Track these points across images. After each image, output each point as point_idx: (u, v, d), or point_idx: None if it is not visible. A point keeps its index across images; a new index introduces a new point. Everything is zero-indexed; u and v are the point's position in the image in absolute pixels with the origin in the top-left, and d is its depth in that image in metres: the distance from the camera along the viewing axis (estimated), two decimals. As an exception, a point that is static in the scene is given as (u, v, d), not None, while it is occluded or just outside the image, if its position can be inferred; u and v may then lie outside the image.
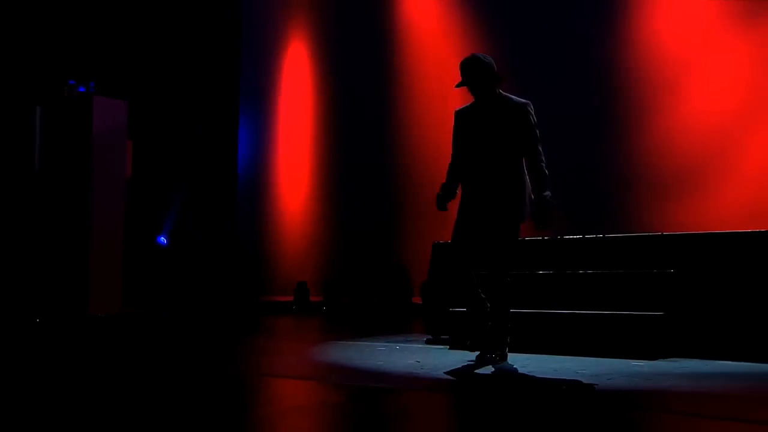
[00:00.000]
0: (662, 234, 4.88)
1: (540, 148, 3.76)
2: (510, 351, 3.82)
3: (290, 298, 9.56)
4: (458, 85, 3.80)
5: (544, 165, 3.73)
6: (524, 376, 3.45)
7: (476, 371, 3.62)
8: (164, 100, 10.16)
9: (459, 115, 3.94)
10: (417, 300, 8.19)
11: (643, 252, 4.69)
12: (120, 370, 3.82)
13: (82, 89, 7.91)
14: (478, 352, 3.82)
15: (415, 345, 4.81)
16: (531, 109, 3.80)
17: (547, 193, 3.68)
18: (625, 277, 4.52)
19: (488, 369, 3.66)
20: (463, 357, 4.03)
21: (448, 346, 4.61)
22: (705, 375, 3.55)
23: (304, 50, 10.37)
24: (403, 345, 4.72)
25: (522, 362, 3.82)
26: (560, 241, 5.08)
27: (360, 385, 3.24)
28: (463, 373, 3.60)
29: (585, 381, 3.25)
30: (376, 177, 9.26)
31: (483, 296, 3.81)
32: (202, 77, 10.41)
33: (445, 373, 3.56)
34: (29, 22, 8.69)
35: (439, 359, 4.04)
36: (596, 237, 4.95)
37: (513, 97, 3.84)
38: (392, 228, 9.05)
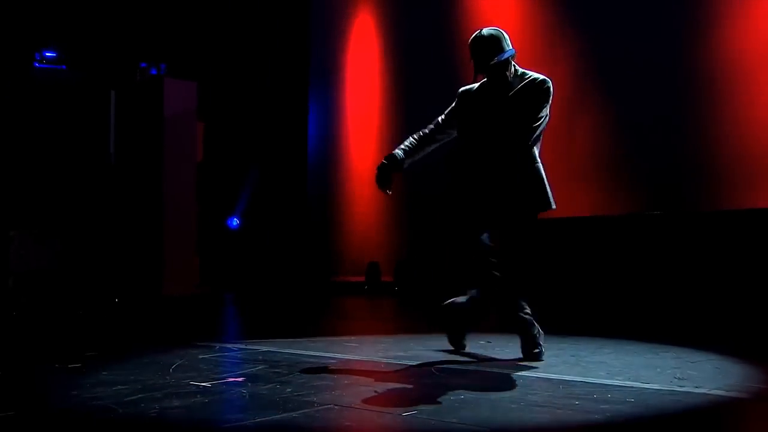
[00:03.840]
0: None
1: (539, 132, 3.33)
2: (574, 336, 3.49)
3: (362, 279, 9.54)
4: (475, 77, 3.43)
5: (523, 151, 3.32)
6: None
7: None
8: (233, 81, 10.25)
9: (464, 95, 3.55)
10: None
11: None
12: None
13: (153, 72, 8.06)
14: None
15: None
16: (549, 86, 3.34)
17: None
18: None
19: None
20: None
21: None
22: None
23: (371, 22, 10.24)
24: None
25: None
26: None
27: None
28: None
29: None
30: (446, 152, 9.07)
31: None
32: (271, 56, 10.43)
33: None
34: (100, 5, 8.89)
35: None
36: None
37: (532, 73, 3.41)
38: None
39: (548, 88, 3.34)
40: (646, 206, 6.40)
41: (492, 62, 3.31)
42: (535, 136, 3.33)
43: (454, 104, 3.65)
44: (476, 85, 3.56)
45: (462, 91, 3.60)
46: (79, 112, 7.92)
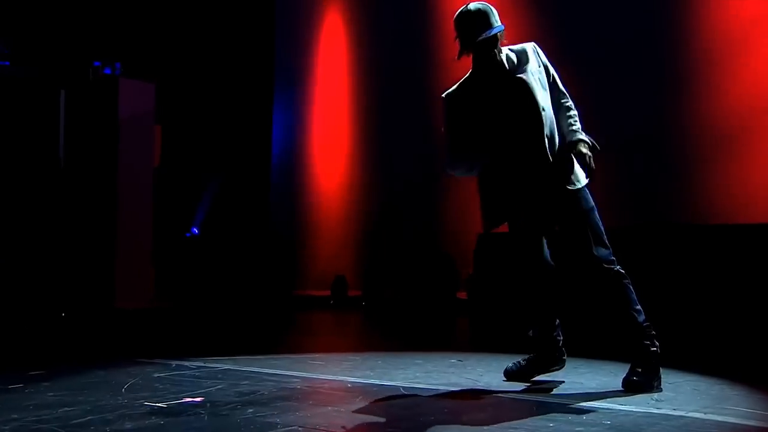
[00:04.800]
0: None
1: (562, 86, 3.30)
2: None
3: (327, 293, 9.50)
4: (460, 56, 3.21)
5: (572, 103, 3.30)
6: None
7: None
8: (194, 83, 10.16)
9: (453, 97, 3.30)
10: (462, 295, 8.05)
11: None
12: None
13: (107, 71, 7.96)
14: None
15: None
16: (539, 48, 3.30)
17: (584, 135, 3.19)
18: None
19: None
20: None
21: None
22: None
23: (340, 25, 10.25)
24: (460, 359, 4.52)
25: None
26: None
27: None
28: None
29: None
30: (418, 163, 9.10)
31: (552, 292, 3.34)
32: (234, 57, 10.37)
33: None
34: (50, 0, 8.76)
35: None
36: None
37: (513, 47, 3.29)
38: (436, 217, 8.90)
39: (540, 50, 3.31)
40: (624, 218, 6.50)
41: (480, 38, 3.15)
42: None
43: (446, 112, 3.34)
44: (461, 82, 3.34)
45: (449, 95, 3.33)
46: (25, 112, 7.77)
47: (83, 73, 8.00)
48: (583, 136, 3.21)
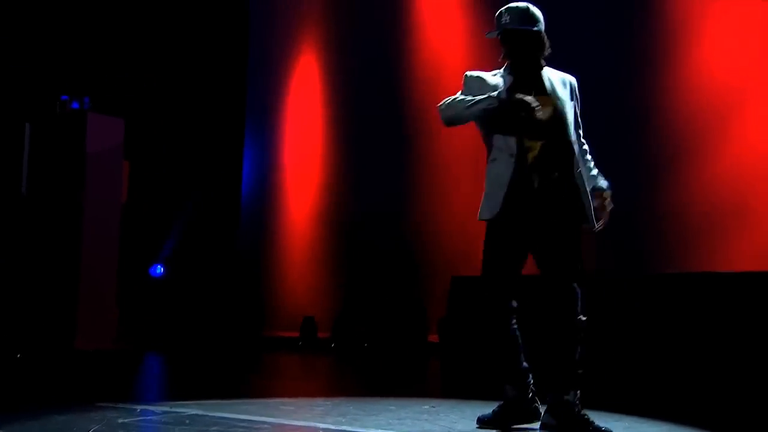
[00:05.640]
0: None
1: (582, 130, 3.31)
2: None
3: (296, 334, 9.42)
4: (506, 57, 3.19)
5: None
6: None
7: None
8: (164, 118, 10.14)
9: (480, 78, 3.26)
10: (433, 338, 8.03)
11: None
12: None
13: (75, 105, 7.91)
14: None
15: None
16: (576, 84, 3.30)
17: (606, 183, 3.26)
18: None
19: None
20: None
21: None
22: None
23: (314, 64, 10.35)
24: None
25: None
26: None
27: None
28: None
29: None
30: (389, 203, 9.15)
31: (518, 334, 3.27)
32: (205, 93, 10.39)
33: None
34: (19, 31, 8.73)
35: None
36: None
37: (556, 71, 3.29)
38: (407, 259, 8.90)
39: (575, 85, 3.31)
40: (601, 266, 6.57)
41: (537, 57, 3.19)
42: None
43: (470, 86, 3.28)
44: (498, 74, 3.27)
45: (479, 77, 3.28)
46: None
47: (50, 106, 7.94)
48: (606, 184, 3.27)
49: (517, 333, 3.26)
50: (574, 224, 3.19)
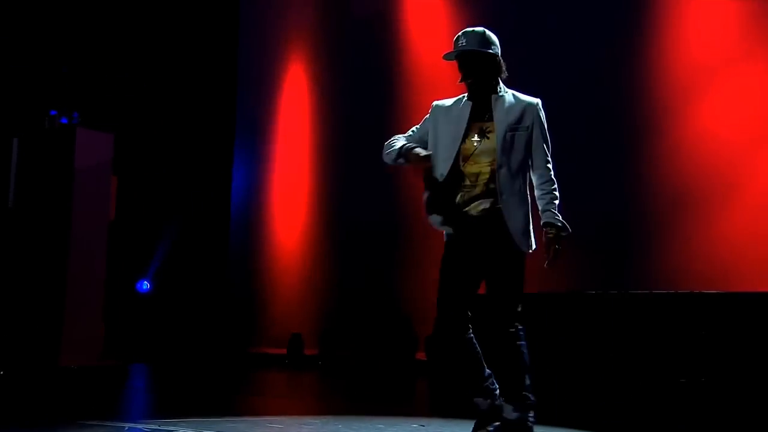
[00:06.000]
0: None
1: (549, 156, 3.26)
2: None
3: (283, 351, 9.40)
4: (463, 80, 3.27)
5: (555, 182, 3.25)
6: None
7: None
8: (153, 134, 10.15)
9: (440, 107, 3.36)
10: (421, 356, 8.05)
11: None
12: None
13: (64, 120, 7.92)
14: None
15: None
16: (541, 107, 3.28)
17: (558, 218, 3.18)
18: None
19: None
20: None
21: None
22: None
23: (303, 79, 10.41)
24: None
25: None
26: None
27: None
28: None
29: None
30: (379, 220, 9.18)
31: (475, 342, 3.27)
32: (195, 109, 10.41)
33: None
34: (8, 45, 8.73)
35: None
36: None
37: (520, 94, 3.30)
38: (395, 277, 8.93)
39: (539, 109, 3.32)
40: (582, 284, 6.63)
41: (495, 80, 3.28)
42: None
43: (429, 118, 3.43)
44: (457, 100, 3.37)
45: (439, 105, 3.43)
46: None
47: (39, 121, 7.94)
48: (557, 220, 3.20)
49: (474, 342, 3.26)
50: (507, 254, 3.17)
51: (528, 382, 3.17)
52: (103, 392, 6.02)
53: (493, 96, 3.27)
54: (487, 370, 3.28)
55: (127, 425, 3.93)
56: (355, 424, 4.12)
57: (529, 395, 3.16)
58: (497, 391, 3.25)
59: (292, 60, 10.59)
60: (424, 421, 4.20)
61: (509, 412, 3.15)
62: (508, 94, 3.28)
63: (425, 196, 3.29)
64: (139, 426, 3.93)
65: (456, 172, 3.22)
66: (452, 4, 8.93)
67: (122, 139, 8.72)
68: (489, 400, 3.24)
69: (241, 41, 10.97)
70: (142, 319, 9.49)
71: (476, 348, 3.26)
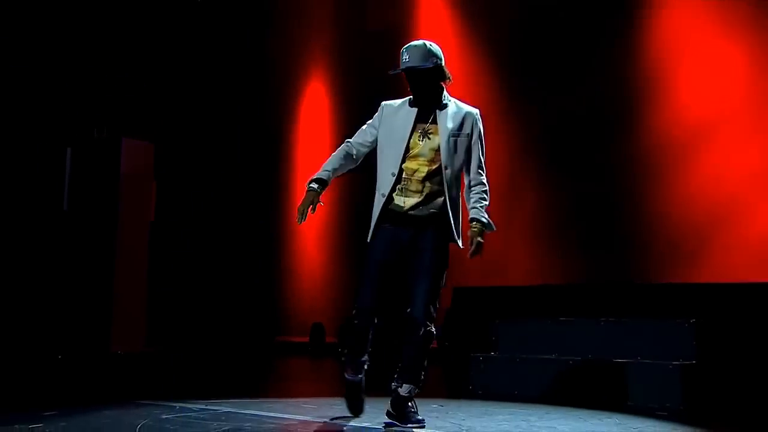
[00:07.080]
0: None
1: (483, 159, 3.29)
2: (522, 402, 3.48)
3: (306, 339, 9.49)
4: (410, 90, 3.29)
5: (487, 185, 3.30)
6: None
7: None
8: (188, 143, 10.29)
9: (389, 107, 3.42)
10: (434, 344, 8.11)
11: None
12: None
13: (111, 131, 8.05)
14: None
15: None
16: (479, 116, 3.31)
17: (485, 216, 3.24)
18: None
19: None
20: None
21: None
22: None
23: (323, 91, 10.55)
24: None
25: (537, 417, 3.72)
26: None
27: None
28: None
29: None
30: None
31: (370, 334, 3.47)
32: (226, 122, 10.55)
33: None
34: (61, 65, 8.87)
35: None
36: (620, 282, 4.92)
37: (461, 103, 3.34)
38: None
39: (477, 117, 3.34)
40: (585, 276, 6.68)
41: (439, 90, 3.30)
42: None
43: (378, 117, 3.52)
44: (403, 102, 3.39)
45: (388, 105, 3.48)
46: (35, 167, 7.86)
47: (88, 133, 8.08)
48: (482, 217, 3.24)
49: (370, 333, 3.48)
50: (436, 246, 3.21)
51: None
52: (149, 375, 6.13)
53: (437, 105, 3.29)
54: (365, 357, 3.61)
55: (177, 404, 4.01)
56: (380, 404, 4.19)
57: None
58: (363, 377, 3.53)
59: (313, 76, 10.73)
60: (442, 401, 4.28)
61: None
62: (451, 103, 3.33)
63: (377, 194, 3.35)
64: (188, 405, 4.01)
65: (400, 170, 3.28)
66: (462, 17, 9.00)
67: (161, 148, 8.86)
68: (356, 375, 3.56)
69: (269, 58, 11.09)
70: (180, 310, 9.61)
71: (369, 334, 3.52)
